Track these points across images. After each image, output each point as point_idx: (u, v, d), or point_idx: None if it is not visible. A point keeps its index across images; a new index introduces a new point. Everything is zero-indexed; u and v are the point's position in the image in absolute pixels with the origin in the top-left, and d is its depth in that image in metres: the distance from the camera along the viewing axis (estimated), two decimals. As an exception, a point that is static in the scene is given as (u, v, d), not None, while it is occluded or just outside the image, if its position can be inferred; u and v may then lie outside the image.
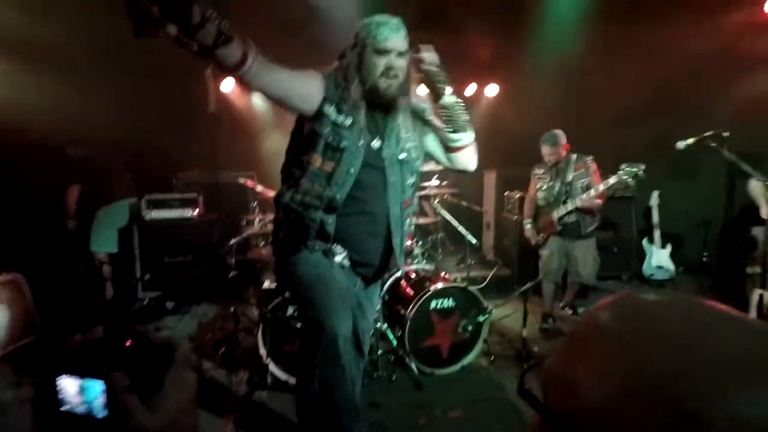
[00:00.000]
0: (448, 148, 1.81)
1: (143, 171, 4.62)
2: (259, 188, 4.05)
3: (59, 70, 3.87)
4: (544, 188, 3.63)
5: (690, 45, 4.45)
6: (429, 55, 1.67)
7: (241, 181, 4.20)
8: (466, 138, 1.78)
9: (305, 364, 1.69)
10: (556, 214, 3.53)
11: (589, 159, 3.55)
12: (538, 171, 3.71)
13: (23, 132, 3.62)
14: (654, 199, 4.80)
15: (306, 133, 1.69)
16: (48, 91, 3.72)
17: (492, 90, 6.12)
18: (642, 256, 4.84)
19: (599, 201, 3.45)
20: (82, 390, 1.74)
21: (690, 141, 2.58)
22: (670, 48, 4.58)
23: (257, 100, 5.81)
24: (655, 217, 4.77)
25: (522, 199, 4.65)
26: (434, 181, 4.56)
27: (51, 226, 4.27)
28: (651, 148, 5.07)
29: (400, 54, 1.65)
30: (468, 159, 1.85)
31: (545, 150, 3.53)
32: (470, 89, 6.12)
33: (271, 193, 4.05)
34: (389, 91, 1.66)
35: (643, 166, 3.21)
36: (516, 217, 4.72)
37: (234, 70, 1.38)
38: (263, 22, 4.83)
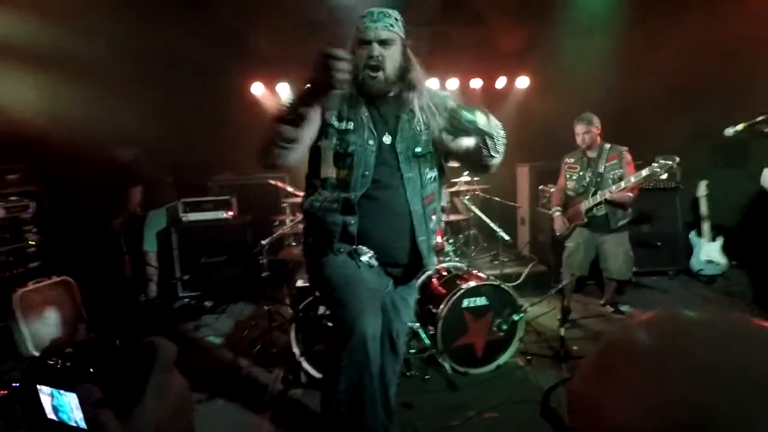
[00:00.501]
0: (482, 167, 1.73)
1: (179, 175, 4.79)
2: (290, 189, 4.10)
3: (99, 82, 4.06)
4: (573, 178, 3.52)
5: (731, 27, 4.16)
6: (456, 144, 1.67)
7: (272, 182, 4.26)
8: (500, 158, 1.71)
9: (332, 364, 1.68)
10: (584, 205, 3.42)
11: (624, 150, 3.39)
12: (569, 160, 3.59)
13: (67, 141, 3.82)
14: (702, 190, 4.53)
15: (318, 145, 1.70)
16: (88, 102, 3.91)
17: (522, 82, 5.95)
18: (689, 249, 4.58)
19: (630, 194, 3.29)
20: (55, 401, 1.53)
21: (739, 127, 2.40)
22: (710, 31, 4.30)
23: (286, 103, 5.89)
24: (704, 209, 4.50)
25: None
26: (465, 177, 4.48)
27: (95, 229, 4.49)
28: (695, 136, 4.79)
29: (383, 43, 1.60)
30: (492, 170, 1.79)
31: (579, 128, 3.41)
32: (500, 82, 5.97)
33: (300, 194, 4.11)
34: (375, 84, 1.62)
35: (677, 159, 3.03)
36: (550, 211, 4.57)
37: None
38: (289, 21, 4.91)
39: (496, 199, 4.61)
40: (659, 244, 4.57)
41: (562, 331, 2.83)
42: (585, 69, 4.91)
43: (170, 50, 4.38)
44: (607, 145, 3.42)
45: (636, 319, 0.41)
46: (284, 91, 5.82)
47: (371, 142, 1.66)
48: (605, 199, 3.31)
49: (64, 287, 3.47)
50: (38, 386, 1.47)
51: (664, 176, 3.12)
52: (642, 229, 4.61)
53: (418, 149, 1.71)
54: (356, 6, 4.71)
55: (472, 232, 5.07)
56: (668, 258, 4.66)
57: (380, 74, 1.61)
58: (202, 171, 5.16)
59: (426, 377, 2.77)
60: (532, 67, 5.81)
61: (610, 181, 3.34)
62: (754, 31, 4.12)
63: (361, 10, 1.66)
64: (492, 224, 3.58)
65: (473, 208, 3.85)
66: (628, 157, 3.39)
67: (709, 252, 4.48)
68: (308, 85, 1.42)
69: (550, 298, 3.53)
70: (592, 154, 3.45)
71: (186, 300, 4.37)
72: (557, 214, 3.64)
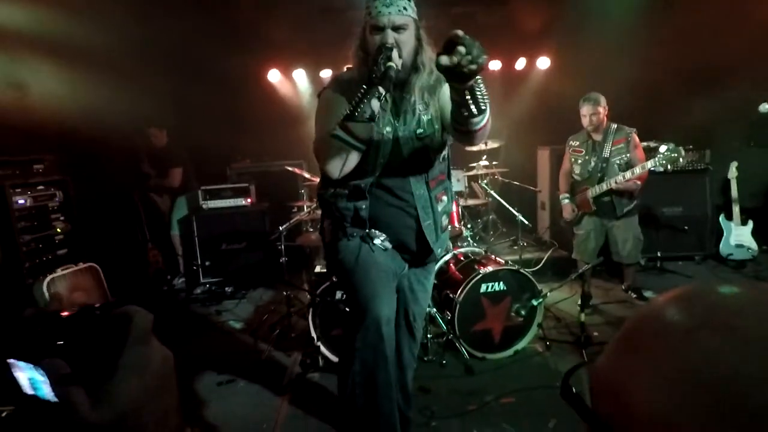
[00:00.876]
0: (466, 132, 1.49)
1: (198, 163, 4.86)
2: (307, 175, 4.11)
3: (118, 73, 4.12)
4: (579, 162, 3.42)
5: (760, 4, 3.92)
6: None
7: (290, 169, 4.28)
8: (485, 117, 1.47)
9: (347, 347, 1.70)
10: (590, 193, 3.33)
11: (632, 132, 3.27)
12: (573, 143, 3.48)
13: (90, 131, 3.90)
14: (732, 171, 4.34)
15: None
16: (108, 93, 3.98)
17: (543, 63, 5.77)
18: (719, 233, 4.42)
19: (639, 182, 3.18)
20: (29, 376, 1.43)
21: (776, 102, 2.27)
22: (738, 7, 4.07)
23: (303, 89, 5.88)
24: (734, 191, 4.32)
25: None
26: (484, 161, 4.41)
27: (119, 217, 4.61)
28: (726, 116, 4.58)
29: (397, 29, 1.54)
30: (481, 140, 1.59)
31: (585, 109, 3.29)
32: (520, 63, 5.81)
33: (318, 180, 4.11)
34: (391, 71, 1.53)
35: (683, 151, 2.95)
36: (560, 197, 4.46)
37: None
38: (304, 7, 4.86)
39: (516, 183, 4.53)
40: (686, 228, 4.42)
41: (583, 317, 2.77)
42: (608, 48, 4.72)
43: (187, 38, 4.41)
44: (614, 126, 3.30)
45: (664, 294, 0.38)
46: (301, 78, 5.81)
47: (388, 128, 1.64)
48: (610, 189, 3.23)
49: (90, 273, 3.59)
50: (9, 360, 1.39)
51: (669, 167, 3.01)
52: (668, 212, 4.46)
53: (420, 131, 1.67)
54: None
55: (491, 217, 5.00)
56: (695, 242, 4.51)
57: (399, 61, 1.53)
58: (220, 159, 5.22)
59: (443, 362, 2.77)
60: (553, 47, 5.63)
61: (616, 166, 3.25)
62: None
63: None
64: (511, 209, 3.51)
65: (492, 192, 3.79)
66: (635, 139, 3.27)
67: (739, 236, 4.31)
68: (371, 77, 1.40)
69: (571, 284, 3.47)
70: (597, 137, 3.33)
71: (207, 285, 4.47)
72: (566, 201, 3.56)
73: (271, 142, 5.39)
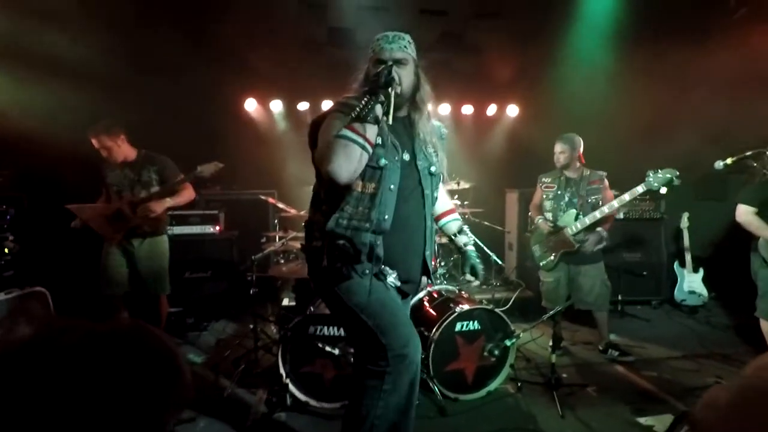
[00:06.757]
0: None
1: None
2: (280, 205, 4.05)
3: (90, 90, 3.97)
4: (550, 196, 3.47)
5: (718, 65, 4.35)
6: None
7: (263, 198, 4.21)
8: None
9: (366, 394, 1.61)
10: (569, 232, 3.32)
11: (604, 175, 3.42)
12: (546, 179, 3.56)
13: (54, 146, 3.70)
14: (684, 221, 4.64)
15: None
16: (79, 110, 3.84)
17: (512, 110, 6.09)
18: (673, 279, 4.66)
19: (606, 225, 3.30)
20: None
21: (729, 161, 2.48)
22: (697, 67, 4.50)
23: (279, 120, 5.89)
24: (686, 240, 4.60)
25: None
26: (456, 201, 4.51)
27: (77, 238, 4.33)
28: (678, 169, 4.94)
29: (397, 62, 1.67)
30: None
31: (559, 147, 3.39)
32: (491, 110, 6.10)
33: (293, 211, 4.06)
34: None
35: (676, 172, 2.93)
36: (535, 220, 4.59)
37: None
38: (286, 41, 4.93)
39: (486, 223, 4.64)
40: (645, 273, 4.63)
41: (554, 358, 2.80)
42: (573, 100, 5.05)
43: (163, 61, 4.35)
44: (587, 170, 3.42)
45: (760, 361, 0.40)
46: (277, 108, 5.82)
47: (396, 158, 1.70)
48: (594, 220, 3.23)
49: (36, 298, 3.32)
50: None
51: (664, 190, 2.93)
52: (628, 258, 4.68)
53: (432, 168, 1.80)
54: (354, 30, 4.79)
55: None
56: (653, 287, 4.73)
57: (398, 79, 1.64)
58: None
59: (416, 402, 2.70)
60: (522, 96, 5.96)
61: (590, 205, 3.33)
62: (740, 70, 4.27)
63: (359, 34, 1.73)
64: (486, 248, 3.58)
65: (468, 231, 3.85)
66: (606, 181, 3.41)
67: (691, 283, 4.56)
68: (374, 86, 1.55)
69: (540, 324, 3.52)
70: (571, 174, 3.42)
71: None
72: (541, 220, 3.52)
73: (243, 171, 5.30)
